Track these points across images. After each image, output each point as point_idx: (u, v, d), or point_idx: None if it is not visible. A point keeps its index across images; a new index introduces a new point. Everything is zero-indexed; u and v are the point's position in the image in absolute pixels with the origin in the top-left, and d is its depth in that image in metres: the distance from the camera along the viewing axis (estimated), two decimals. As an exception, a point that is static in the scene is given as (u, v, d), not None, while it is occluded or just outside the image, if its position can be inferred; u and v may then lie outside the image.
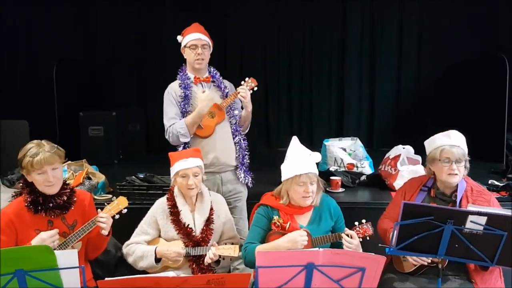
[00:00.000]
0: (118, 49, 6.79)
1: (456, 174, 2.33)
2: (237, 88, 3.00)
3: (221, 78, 3.16)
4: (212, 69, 3.16)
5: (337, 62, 6.82)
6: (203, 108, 2.89)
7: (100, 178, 3.55)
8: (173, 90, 3.07)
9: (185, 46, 3.02)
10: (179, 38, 3.05)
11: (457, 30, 6.51)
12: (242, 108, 3.07)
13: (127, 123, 5.71)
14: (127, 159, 5.49)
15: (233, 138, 3.07)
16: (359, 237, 2.30)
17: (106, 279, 1.73)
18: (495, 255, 1.95)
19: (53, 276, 1.73)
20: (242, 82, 3.01)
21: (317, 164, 2.46)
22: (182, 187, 2.51)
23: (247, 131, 3.20)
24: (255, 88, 3.02)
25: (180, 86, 3.04)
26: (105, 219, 2.26)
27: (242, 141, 3.09)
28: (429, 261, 2.26)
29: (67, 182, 2.43)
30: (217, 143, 3.00)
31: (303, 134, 6.80)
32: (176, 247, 2.43)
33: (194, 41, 2.97)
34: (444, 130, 2.47)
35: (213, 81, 3.12)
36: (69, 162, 3.51)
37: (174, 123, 2.98)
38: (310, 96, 6.82)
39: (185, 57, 3.07)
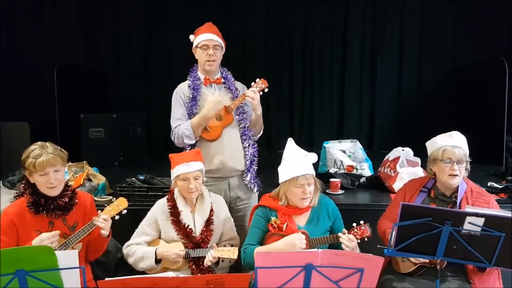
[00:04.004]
0: (120, 53, 6.85)
1: (457, 175, 2.34)
2: (246, 90, 2.88)
3: (233, 79, 3.05)
4: (224, 70, 3.06)
5: (339, 64, 6.88)
6: (209, 111, 2.80)
7: (100, 179, 3.56)
8: (181, 91, 2.98)
9: (196, 46, 2.93)
10: (191, 37, 2.97)
11: (457, 34, 6.56)
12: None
13: (129, 126, 5.73)
14: (128, 161, 5.50)
15: (242, 143, 2.95)
16: (357, 239, 2.31)
17: (106, 279, 1.74)
18: (493, 256, 1.96)
19: (53, 277, 1.74)
20: (252, 84, 2.89)
21: (317, 166, 2.47)
22: (183, 190, 2.53)
23: (259, 135, 3.08)
24: (266, 90, 2.89)
25: (189, 86, 2.95)
26: (104, 220, 2.28)
27: (251, 146, 2.97)
28: (428, 260, 2.27)
29: (68, 183, 2.44)
30: (224, 147, 2.89)
31: (304, 136, 6.83)
32: (176, 249, 2.45)
33: (206, 42, 2.88)
34: (444, 132, 2.48)
35: (224, 83, 3.01)
36: (70, 163, 3.52)
37: (180, 124, 2.88)
38: (311, 98, 6.85)
39: (196, 57, 2.98)
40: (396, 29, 6.73)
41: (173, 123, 2.94)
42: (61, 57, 6.07)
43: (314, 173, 2.43)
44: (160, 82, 6.90)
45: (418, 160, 3.75)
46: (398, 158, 3.74)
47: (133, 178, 3.53)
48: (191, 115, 2.91)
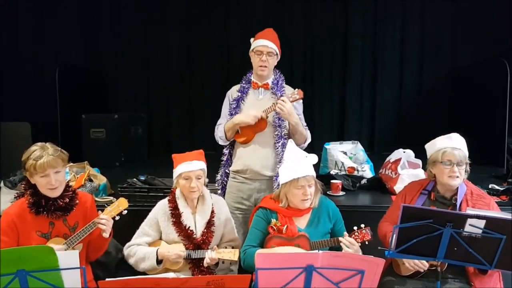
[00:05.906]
0: (120, 53, 6.84)
1: (457, 177, 2.33)
2: (279, 99, 2.84)
3: (283, 84, 3.04)
4: (278, 75, 3.07)
5: (339, 66, 6.87)
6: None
7: (101, 180, 3.56)
8: (231, 92, 3.09)
9: (252, 51, 2.97)
10: (251, 40, 3.00)
11: (457, 34, 6.55)
12: None
13: (130, 126, 5.74)
14: (129, 161, 5.51)
15: (276, 150, 2.92)
16: (357, 242, 2.30)
17: (107, 279, 1.74)
18: (494, 259, 1.95)
19: (54, 277, 1.74)
20: (288, 94, 2.89)
21: (318, 167, 2.46)
22: (184, 189, 2.52)
23: (303, 145, 2.97)
24: (300, 101, 2.92)
25: (238, 89, 3.04)
26: (105, 221, 2.28)
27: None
28: (426, 268, 2.26)
29: (69, 184, 2.44)
30: (252, 151, 2.94)
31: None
32: (176, 249, 2.45)
33: (260, 48, 2.91)
34: (445, 133, 2.48)
35: (272, 88, 3.00)
36: (71, 164, 3.52)
37: (220, 124, 3.02)
38: (311, 99, 6.83)
39: (251, 61, 3.02)
40: (396, 29, 6.72)
41: (218, 121, 3.09)
42: (61, 57, 6.08)
43: (314, 174, 2.42)
44: (161, 83, 6.90)
45: (419, 161, 3.74)
46: (399, 159, 3.73)
47: (134, 179, 3.53)
48: (232, 116, 2.98)
